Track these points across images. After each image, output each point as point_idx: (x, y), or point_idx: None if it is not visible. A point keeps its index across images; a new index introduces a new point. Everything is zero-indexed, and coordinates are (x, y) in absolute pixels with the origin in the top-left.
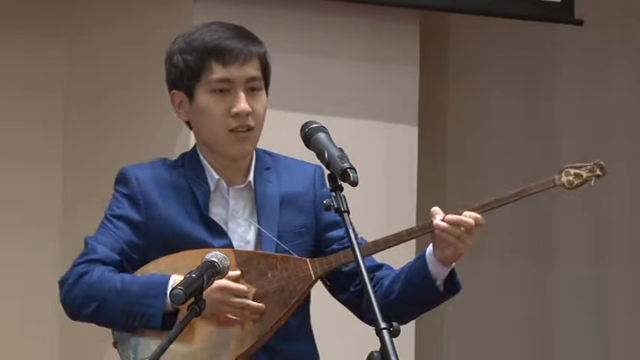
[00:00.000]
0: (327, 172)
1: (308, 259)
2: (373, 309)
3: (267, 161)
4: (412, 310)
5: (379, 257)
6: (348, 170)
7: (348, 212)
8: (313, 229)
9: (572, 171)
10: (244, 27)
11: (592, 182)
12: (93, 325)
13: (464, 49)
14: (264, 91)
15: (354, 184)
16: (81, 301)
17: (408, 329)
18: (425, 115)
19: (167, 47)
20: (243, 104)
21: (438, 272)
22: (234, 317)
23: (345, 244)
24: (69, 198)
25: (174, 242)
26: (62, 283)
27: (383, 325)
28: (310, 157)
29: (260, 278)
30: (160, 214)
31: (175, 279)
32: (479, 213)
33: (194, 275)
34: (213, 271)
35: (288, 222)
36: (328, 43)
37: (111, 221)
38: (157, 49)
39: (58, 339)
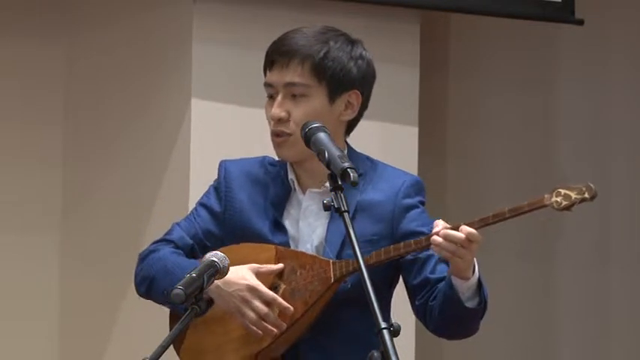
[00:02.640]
0: (327, 172)
1: (331, 261)
2: (373, 309)
3: (363, 167)
4: (454, 324)
5: None
6: (348, 170)
7: (348, 212)
8: (388, 238)
9: (563, 191)
10: (332, 30)
11: (577, 204)
12: (92, 325)
13: (464, 49)
14: (311, 98)
15: (354, 183)
16: (140, 280)
17: (408, 329)
18: (425, 115)
19: (168, 47)
20: (273, 110)
21: (458, 285)
22: (249, 324)
23: (418, 255)
24: (69, 198)
25: (241, 234)
26: (139, 258)
27: (383, 324)
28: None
29: (291, 275)
30: (236, 207)
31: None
32: (476, 228)
33: (194, 275)
34: (214, 270)
35: (361, 229)
36: None
37: (196, 209)
38: (157, 49)
39: (57, 338)
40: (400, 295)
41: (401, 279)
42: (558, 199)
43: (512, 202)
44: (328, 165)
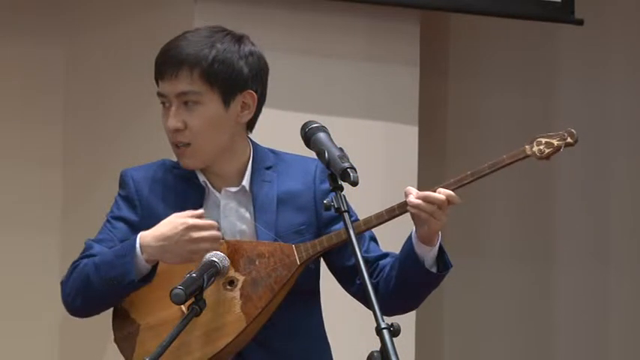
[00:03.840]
0: (327, 171)
1: (294, 245)
2: (373, 308)
3: (269, 160)
4: (412, 293)
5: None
6: (349, 170)
7: (349, 212)
8: (314, 225)
9: (544, 140)
10: (217, 30)
11: (562, 150)
12: (92, 325)
13: (464, 49)
14: (205, 105)
15: (355, 183)
16: (73, 295)
17: (408, 329)
18: (425, 115)
19: None
20: (168, 121)
21: (423, 252)
22: (208, 255)
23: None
24: (69, 198)
25: None
26: (61, 284)
27: (383, 324)
28: (311, 156)
29: (248, 266)
30: (155, 214)
31: (143, 234)
32: (453, 189)
33: (194, 275)
34: (214, 270)
35: (287, 221)
36: (328, 43)
37: (109, 222)
38: (156, 49)
39: (57, 339)
40: None
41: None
42: (540, 147)
43: (512, 201)
44: (328, 165)
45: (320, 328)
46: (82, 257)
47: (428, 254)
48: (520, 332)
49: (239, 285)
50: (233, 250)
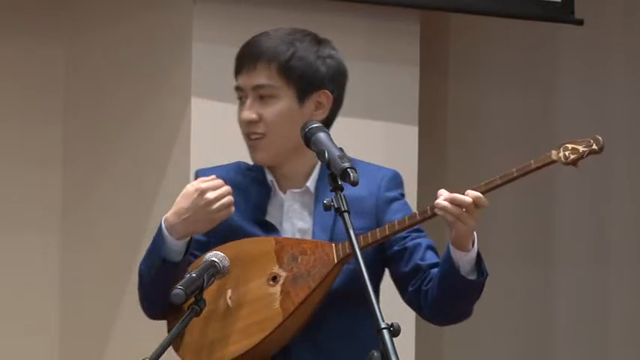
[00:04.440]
0: (327, 172)
1: (333, 244)
2: (372, 308)
3: None
4: (452, 301)
5: None
6: (349, 170)
7: (349, 212)
8: None
9: (570, 146)
10: (300, 31)
11: (585, 156)
12: (92, 325)
13: (464, 49)
14: (280, 99)
15: (355, 183)
16: (140, 298)
17: (408, 329)
18: (425, 115)
19: (168, 47)
20: (243, 113)
21: (458, 257)
22: (226, 212)
23: (404, 244)
24: (69, 198)
25: (231, 239)
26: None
27: (383, 324)
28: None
29: (291, 263)
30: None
31: (166, 216)
32: (482, 193)
33: (194, 275)
34: (214, 270)
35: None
36: None
37: None
38: (156, 49)
39: (58, 339)
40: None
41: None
42: (566, 153)
43: (512, 201)
44: (328, 165)
45: (370, 331)
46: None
47: (463, 260)
48: (520, 332)
49: (281, 281)
50: (280, 247)
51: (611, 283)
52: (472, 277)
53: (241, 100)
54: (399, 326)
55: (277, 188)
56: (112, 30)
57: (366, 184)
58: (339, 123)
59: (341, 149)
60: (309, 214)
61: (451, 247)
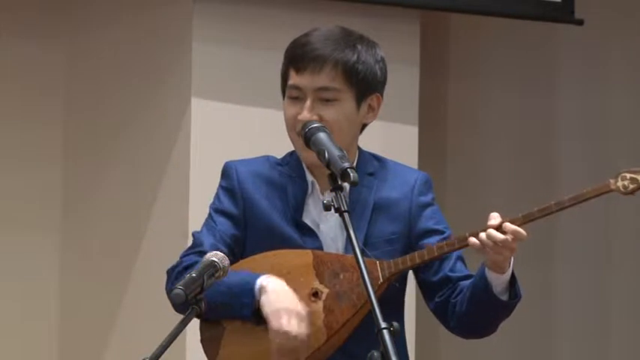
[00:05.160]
0: (327, 172)
1: (377, 261)
2: (373, 309)
3: (372, 166)
4: (481, 318)
5: None
6: (349, 170)
7: (349, 212)
8: (405, 236)
9: (629, 175)
10: (350, 32)
11: None
12: (92, 325)
13: (464, 49)
14: (342, 102)
15: (355, 183)
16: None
17: (408, 329)
18: (425, 115)
19: (168, 47)
20: (304, 114)
21: (492, 278)
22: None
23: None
24: (69, 198)
25: (267, 238)
26: (169, 274)
27: (383, 325)
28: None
29: (333, 279)
30: (256, 208)
31: (261, 279)
32: (523, 222)
33: (194, 275)
34: (213, 270)
35: (379, 229)
36: None
37: (212, 216)
38: (156, 48)
39: (57, 339)
40: None
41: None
42: (625, 182)
43: (512, 201)
44: (328, 165)
45: (402, 339)
46: (194, 252)
47: (497, 281)
48: (520, 332)
49: (323, 297)
50: (319, 262)
51: (612, 282)
52: (504, 297)
53: (295, 98)
54: (399, 326)
55: (318, 188)
56: (112, 30)
57: (399, 186)
58: None
59: (341, 149)
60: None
61: (486, 269)
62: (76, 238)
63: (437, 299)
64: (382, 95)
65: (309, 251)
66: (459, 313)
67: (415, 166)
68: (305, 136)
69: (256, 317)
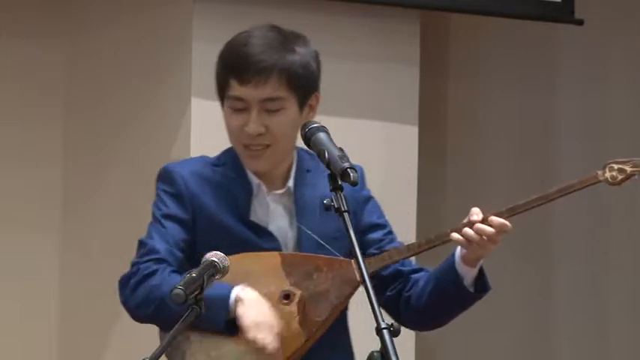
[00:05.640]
0: (327, 171)
1: (352, 261)
2: (373, 309)
3: (308, 163)
4: (445, 310)
5: None
6: (348, 170)
7: (349, 212)
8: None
9: (616, 166)
10: (286, 33)
11: (637, 176)
12: (92, 326)
13: (464, 49)
14: (286, 110)
15: (354, 183)
16: (141, 302)
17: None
18: (425, 115)
19: (168, 47)
20: (253, 126)
21: (465, 272)
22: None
23: (383, 247)
24: (69, 198)
25: (222, 241)
26: (125, 282)
27: (383, 324)
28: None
29: (305, 280)
30: (207, 211)
31: (237, 291)
32: (509, 216)
33: (194, 275)
34: (213, 270)
35: (327, 226)
36: (328, 43)
37: (160, 221)
38: (156, 48)
39: (57, 339)
40: None
41: None
42: (613, 173)
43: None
44: (328, 165)
45: (350, 341)
46: (151, 260)
47: (468, 274)
48: (520, 332)
49: (296, 299)
50: (288, 264)
51: (611, 282)
52: (471, 289)
53: (238, 110)
54: (399, 326)
55: (265, 190)
56: (112, 30)
57: None
58: (340, 123)
59: (341, 149)
60: (292, 215)
61: (459, 261)
62: (76, 238)
63: (388, 293)
64: (319, 90)
65: (276, 253)
66: (416, 306)
67: (415, 166)
68: (305, 136)
69: (229, 328)
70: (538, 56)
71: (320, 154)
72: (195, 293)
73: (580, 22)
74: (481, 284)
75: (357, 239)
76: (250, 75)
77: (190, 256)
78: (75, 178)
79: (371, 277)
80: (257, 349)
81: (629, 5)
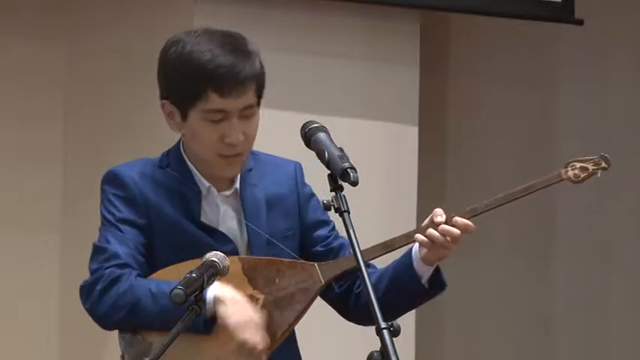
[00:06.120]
0: (327, 171)
1: (316, 264)
2: (374, 309)
3: (249, 162)
4: (399, 306)
5: None
6: (349, 170)
7: (349, 212)
8: (298, 230)
9: (578, 164)
10: (236, 36)
11: (599, 174)
12: (92, 326)
13: (464, 49)
14: (255, 114)
15: (355, 183)
16: (110, 309)
17: (408, 329)
18: (425, 114)
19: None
20: (236, 135)
21: (423, 271)
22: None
23: (330, 244)
24: (69, 198)
25: (181, 244)
26: (89, 289)
27: (383, 324)
28: (310, 156)
29: (268, 285)
30: (162, 214)
31: (214, 290)
32: (472, 216)
33: (194, 275)
34: (214, 270)
35: (275, 226)
36: (328, 43)
37: (115, 226)
38: (157, 49)
39: (57, 339)
40: None
41: None
42: (575, 171)
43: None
44: (328, 165)
45: (295, 338)
46: (114, 265)
47: (425, 273)
48: (520, 331)
49: (260, 304)
50: (249, 268)
51: (611, 281)
52: (427, 287)
53: (216, 121)
54: (399, 326)
55: (215, 191)
56: (112, 30)
57: (282, 179)
58: (340, 123)
59: (341, 149)
60: (240, 216)
61: (417, 261)
62: (76, 238)
63: (337, 290)
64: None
65: (235, 258)
66: (365, 301)
67: (415, 166)
68: (305, 136)
69: (207, 328)
70: (538, 56)
71: (320, 154)
72: (196, 293)
73: (580, 22)
74: (437, 282)
75: (302, 238)
76: (231, 86)
77: (149, 260)
78: (75, 178)
79: (334, 279)
80: (244, 348)
81: (629, 5)
